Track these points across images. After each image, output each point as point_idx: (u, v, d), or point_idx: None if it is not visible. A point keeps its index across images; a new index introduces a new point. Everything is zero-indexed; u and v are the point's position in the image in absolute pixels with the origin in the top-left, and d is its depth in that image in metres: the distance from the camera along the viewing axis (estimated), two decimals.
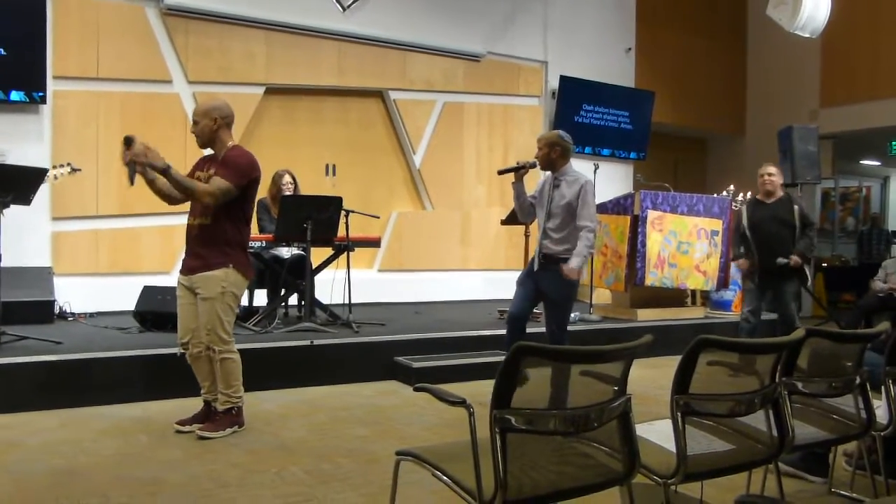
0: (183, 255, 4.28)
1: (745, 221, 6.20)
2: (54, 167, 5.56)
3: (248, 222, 4.31)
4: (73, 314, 6.62)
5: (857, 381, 2.90)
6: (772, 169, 6.18)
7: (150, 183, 4.10)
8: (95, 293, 6.85)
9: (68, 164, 5.55)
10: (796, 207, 6.09)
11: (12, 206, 5.13)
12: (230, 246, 4.14)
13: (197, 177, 4.23)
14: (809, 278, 6.21)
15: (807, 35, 7.89)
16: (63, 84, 6.89)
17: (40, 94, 6.66)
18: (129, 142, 3.89)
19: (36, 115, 6.77)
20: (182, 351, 4.25)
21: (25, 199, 5.17)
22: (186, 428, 4.21)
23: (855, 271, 12.25)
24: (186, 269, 4.20)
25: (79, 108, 6.97)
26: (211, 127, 4.17)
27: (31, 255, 6.53)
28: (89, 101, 7.01)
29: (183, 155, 7.09)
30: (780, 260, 5.90)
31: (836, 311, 9.79)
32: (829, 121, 10.56)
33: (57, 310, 6.48)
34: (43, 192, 5.85)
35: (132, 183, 3.95)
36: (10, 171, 5.21)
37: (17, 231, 5.68)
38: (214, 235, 4.11)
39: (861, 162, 13.96)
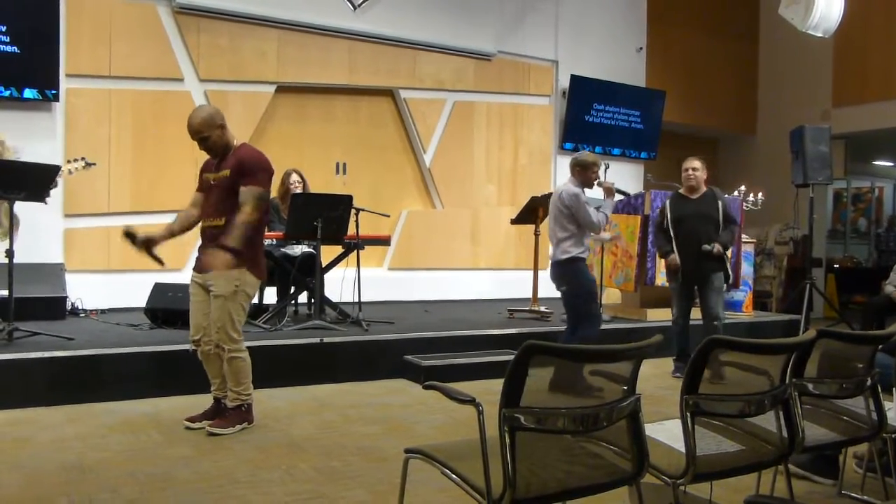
0: (196, 254, 4.31)
1: (668, 217, 5.99)
2: (69, 161, 5.59)
3: (263, 223, 4.32)
4: (84, 310, 6.67)
5: (869, 382, 2.89)
6: (696, 163, 6.01)
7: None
8: (107, 290, 6.89)
9: (82, 159, 5.57)
10: (720, 203, 5.91)
11: (25, 204, 5.16)
12: (245, 246, 4.12)
13: (205, 178, 4.26)
14: (731, 275, 6.11)
15: (819, 34, 7.85)
16: (76, 82, 6.93)
17: (53, 91, 6.70)
18: (131, 237, 4.18)
19: (49, 113, 6.81)
20: (193, 348, 4.27)
21: (39, 196, 5.19)
22: (196, 424, 4.23)
23: (868, 273, 12.18)
24: (200, 266, 4.22)
25: (91, 105, 7.01)
26: (221, 135, 4.16)
27: (44, 251, 6.57)
28: (101, 99, 7.05)
29: (192, 155, 7.13)
30: (706, 246, 5.73)
31: (848, 313, 9.73)
32: (842, 121, 10.50)
33: (69, 306, 6.53)
34: (55, 190, 5.89)
35: (162, 263, 4.25)
36: (22, 168, 5.24)
37: (30, 228, 5.73)
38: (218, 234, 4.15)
39: (874, 162, 13.87)
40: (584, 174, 5.24)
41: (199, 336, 4.22)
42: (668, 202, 6.10)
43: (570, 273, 5.17)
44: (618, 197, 5.69)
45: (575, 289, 5.19)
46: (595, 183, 5.33)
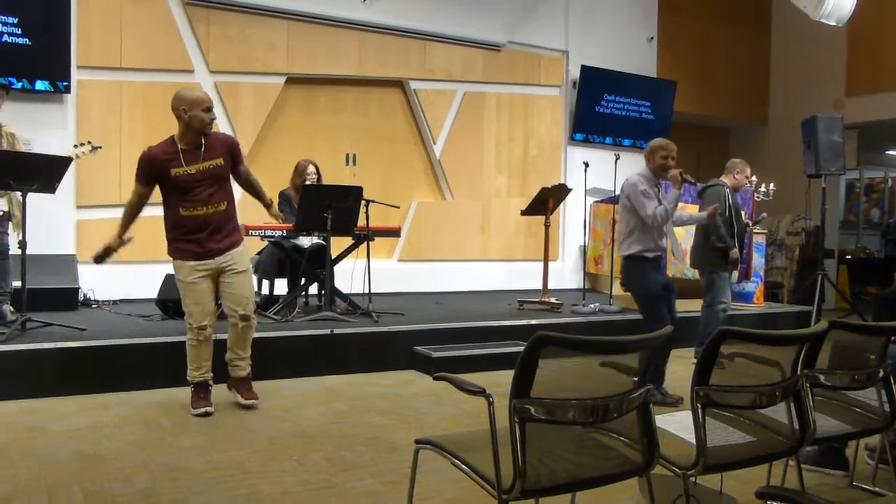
0: (195, 243, 4.27)
1: (733, 209, 5.99)
2: (75, 146, 5.60)
3: None
4: (96, 301, 6.71)
5: (881, 374, 2.88)
6: None
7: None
8: (119, 281, 6.92)
9: (88, 143, 5.58)
10: None
11: (37, 195, 5.19)
12: (237, 225, 4.49)
13: (182, 172, 4.19)
14: None
15: (832, 23, 7.78)
16: (87, 73, 6.96)
17: (64, 83, 6.73)
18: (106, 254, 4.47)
19: (60, 105, 6.84)
20: (201, 335, 4.33)
21: (50, 187, 5.22)
22: (201, 409, 4.34)
23: (880, 264, 12.08)
24: (211, 253, 4.27)
25: (102, 97, 7.03)
26: None
27: (56, 242, 6.62)
28: (112, 91, 7.07)
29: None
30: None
31: (860, 304, 9.68)
32: (855, 110, 10.41)
33: (81, 297, 6.57)
34: (67, 181, 5.92)
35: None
36: (35, 159, 5.26)
37: (43, 219, 5.75)
38: (231, 218, 4.43)
39: (887, 152, 13.75)
40: (652, 161, 4.91)
41: (208, 322, 4.33)
42: (728, 194, 6.02)
43: (629, 273, 4.98)
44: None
45: (634, 290, 5.00)
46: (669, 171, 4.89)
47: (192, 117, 4.18)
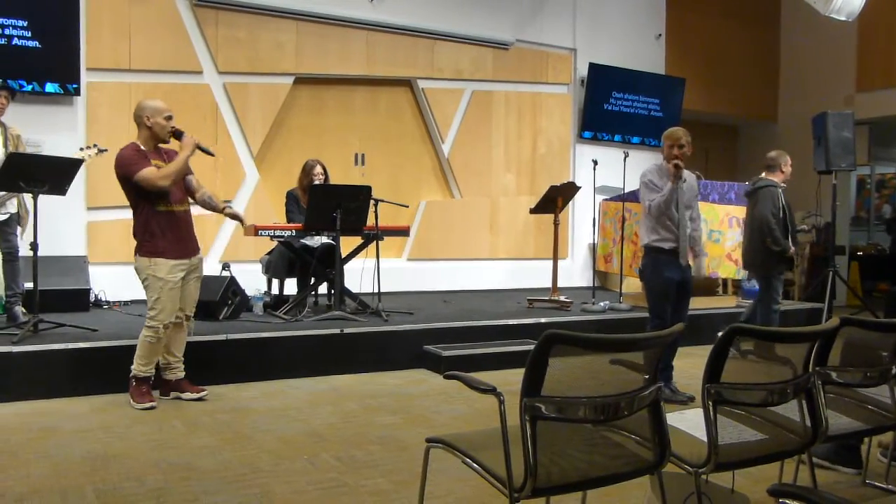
0: (176, 241, 4.50)
1: (786, 209, 5.92)
2: (81, 149, 5.64)
3: None
4: (107, 302, 6.74)
5: (893, 370, 2.86)
6: None
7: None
8: (130, 282, 6.89)
9: (94, 146, 5.61)
10: None
11: (49, 197, 5.22)
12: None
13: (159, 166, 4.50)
14: None
15: (842, 18, 7.74)
16: (96, 76, 6.99)
17: (74, 85, 6.76)
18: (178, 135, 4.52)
19: (70, 107, 6.87)
20: (163, 332, 4.47)
21: (61, 189, 5.25)
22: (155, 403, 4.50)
23: (892, 260, 12.01)
24: (189, 252, 4.56)
25: (111, 99, 7.05)
26: None
27: (68, 244, 6.65)
28: (122, 93, 7.09)
29: (214, 145, 7.17)
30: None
31: (872, 301, 9.62)
32: (866, 106, 10.34)
33: (92, 298, 6.60)
34: (78, 183, 5.95)
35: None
36: (46, 161, 5.29)
37: (54, 221, 5.78)
38: (191, 220, 4.66)
39: None
40: (663, 151, 4.79)
41: (173, 319, 4.50)
42: (780, 194, 5.94)
43: (644, 264, 4.94)
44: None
45: (644, 283, 4.96)
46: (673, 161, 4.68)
47: (155, 124, 4.48)
